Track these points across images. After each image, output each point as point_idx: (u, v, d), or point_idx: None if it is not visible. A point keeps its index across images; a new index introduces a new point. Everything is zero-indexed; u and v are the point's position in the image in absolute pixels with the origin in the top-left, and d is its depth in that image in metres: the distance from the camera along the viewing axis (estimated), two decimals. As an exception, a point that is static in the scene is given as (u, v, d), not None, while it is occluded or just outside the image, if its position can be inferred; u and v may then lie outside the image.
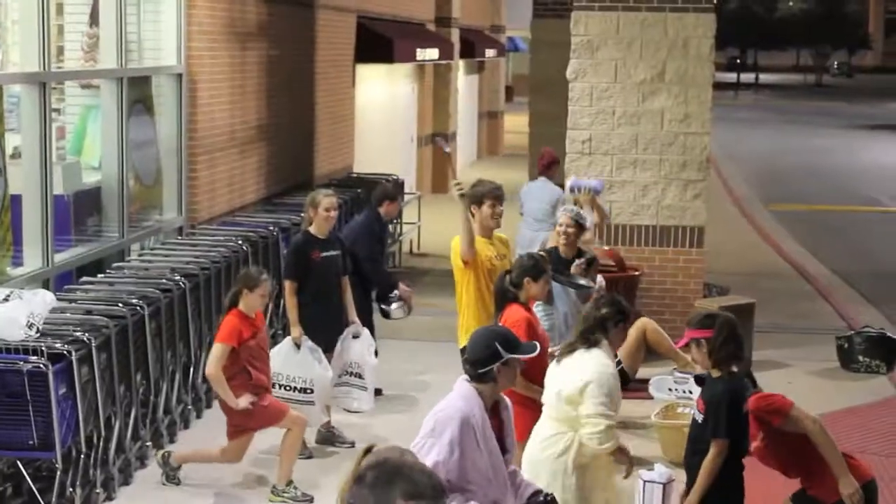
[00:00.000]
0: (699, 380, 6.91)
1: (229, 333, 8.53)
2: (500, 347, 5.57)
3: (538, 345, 5.79)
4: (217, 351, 8.54)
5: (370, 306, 11.09)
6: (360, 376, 9.91)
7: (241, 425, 8.69)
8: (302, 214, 10.13)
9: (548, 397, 6.87)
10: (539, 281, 7.79)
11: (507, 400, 5.79)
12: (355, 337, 9.92)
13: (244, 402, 8.50)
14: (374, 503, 3.14)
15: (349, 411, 10.15)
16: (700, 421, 6.70)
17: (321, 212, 9.69)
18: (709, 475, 6.59)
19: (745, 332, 10.35)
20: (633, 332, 10.94)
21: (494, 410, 5.65)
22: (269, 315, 12.04)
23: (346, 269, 9.94)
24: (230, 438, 8.79)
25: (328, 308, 9.73)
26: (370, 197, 11.60)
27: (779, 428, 6.52)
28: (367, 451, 4.40)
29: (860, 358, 12.17)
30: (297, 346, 9.46)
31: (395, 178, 17.24)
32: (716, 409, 6.59)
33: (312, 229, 9.74)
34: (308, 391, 9.36)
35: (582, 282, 9.34)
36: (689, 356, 6.89)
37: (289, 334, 9.71)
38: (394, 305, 10.97)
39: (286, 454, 8.78)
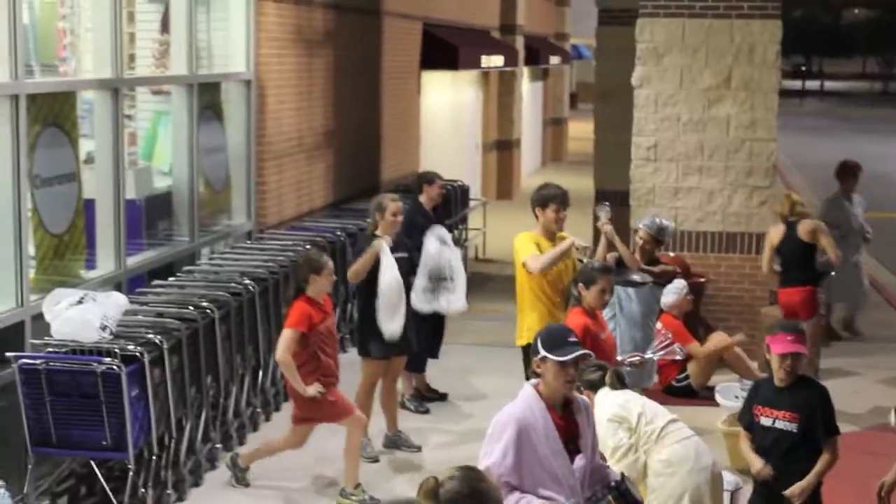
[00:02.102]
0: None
1: (299, 318, 8.51)
2: (539, 343, 5.59)
3: (581, 350, 5.59)
4: (287, 336, 8.50)
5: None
6: (450, 279, 9.90)
7: (306, 415, 8.74)
8: (367, 220, 10.17)
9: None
10: (590, 288, 7.83)
11: (585, 400, 5.79)
12: (442, 243, 9.96)
13: (313, 390, 8.50)
14: None
15: (442, 313, 10.41)
16: (796, 430, 6.70)
17: (388, 216, 9.63)
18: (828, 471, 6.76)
19: (813, 340, 10.39)
20: (710, 348, 11.06)
21: (566, 411, 5.61)
22: (336, 319, 12.15)
23: (414, 271, 9.98)
24: (294, 424, 8.85)
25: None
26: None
27: None
28: (437, 483, 4.31)
29: (930, 368, 12.05)
30: (382, 250, 9.47)
31: (460, 184, 17.31)
32: (825, 409, 6.73)
33: (379, 233, 9.72)
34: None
35: (635, 277, 9.38)
36: (783, 367, 6.77)
37: (355, 342, 9.86)
38: None
39: (350, 457, 8.82)
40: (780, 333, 6.80)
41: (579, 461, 5.56)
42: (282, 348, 8.49)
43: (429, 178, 11.33)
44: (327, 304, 8.83)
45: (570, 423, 5.60)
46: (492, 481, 4.34)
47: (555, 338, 5.61)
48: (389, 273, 9.43)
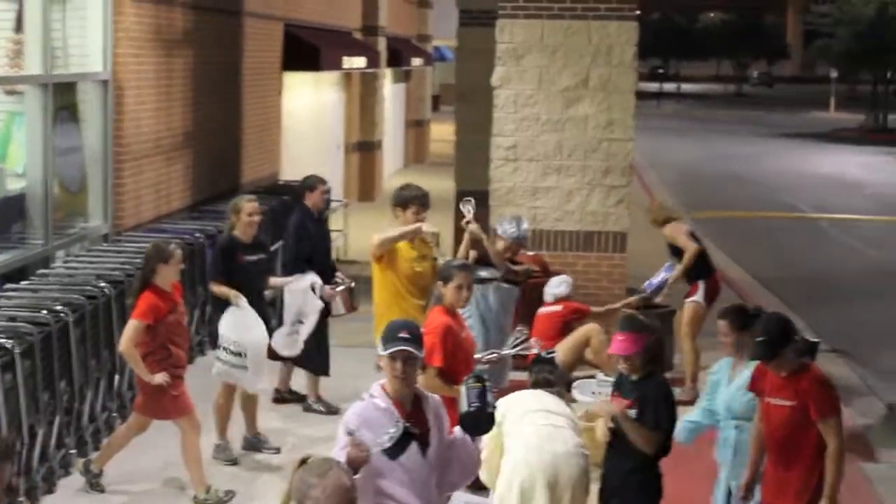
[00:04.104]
0: None
1: (145, 310, 8.48)
2: (381, 339, 5.67)
3: (401, 346, 5.54)
4: (132, 326, 8.49)
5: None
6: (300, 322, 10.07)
7: (149, 404, 8.69)
8: (225, 221, 10.18)
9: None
10: (447, 286, 7.79)
11: (435, 398, 5.79)
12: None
13: (160, 377, 8.49)
14: None
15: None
16: (635, 416, 6.75)
17: (244, 217, 9.76)
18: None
19: (666, 337, 10.60)
20: (578, 334, 11.18)
21: (416, 407, 5.63)
22: (194, 323, 12.03)
23: (271, 271, 9.98)
24: (137, 412, 8.85)
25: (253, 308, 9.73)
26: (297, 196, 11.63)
27: (813, 420, 6.66)
28: (303, 462, 4.41)
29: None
30: (239, 306, 9.41)
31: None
32: (656, 403, 6.75)
33: (237, 233, 9.79)
34: (241, 355, 9.33)
35: (483, 273, 9.46)
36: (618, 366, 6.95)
37: (214, 344, 9.75)
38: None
39: (190, 461, 8.78)
40: (616, 333, 6.96)
41: (429, 454, 5.59)
42: (125, 339, 8.51)
43: (310, 185, 11.26)
44: (176, 293, 8.78)
45: (418, 419, 5.61)
46: (333, 479, 4.29)
47: (389, 333, 5.66)
48: (257, 331, 9.43)
